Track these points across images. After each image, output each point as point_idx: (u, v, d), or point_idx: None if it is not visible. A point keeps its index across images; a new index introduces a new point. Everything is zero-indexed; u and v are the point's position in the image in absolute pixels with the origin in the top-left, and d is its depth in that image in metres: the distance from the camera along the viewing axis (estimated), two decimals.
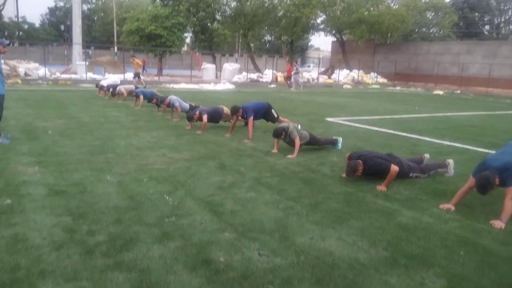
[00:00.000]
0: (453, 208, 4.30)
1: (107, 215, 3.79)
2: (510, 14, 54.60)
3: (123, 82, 18.91)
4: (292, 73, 25.68)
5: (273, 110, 8.18)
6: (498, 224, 3.89)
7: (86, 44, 39.49)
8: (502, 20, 55.70)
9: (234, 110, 7.80)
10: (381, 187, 4.93)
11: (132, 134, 7.85)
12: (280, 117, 8.35)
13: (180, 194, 4.45)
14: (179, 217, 3.82)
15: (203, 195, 4.47)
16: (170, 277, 2.77)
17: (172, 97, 10.17)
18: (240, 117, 7.98)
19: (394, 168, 4.95)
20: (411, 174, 5.37)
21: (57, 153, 6.11)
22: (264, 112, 8.12)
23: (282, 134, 6.51)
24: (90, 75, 24.37)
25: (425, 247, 3.40)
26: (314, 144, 6.98)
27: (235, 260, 3.04)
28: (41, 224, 3.54)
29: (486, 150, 7.62)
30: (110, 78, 18.10)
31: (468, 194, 4.38)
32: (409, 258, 3.20)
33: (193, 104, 10.67)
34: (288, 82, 26.51)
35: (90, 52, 43.88)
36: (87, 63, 26.13)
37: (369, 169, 5.08)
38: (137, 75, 20.78)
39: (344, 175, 5.37)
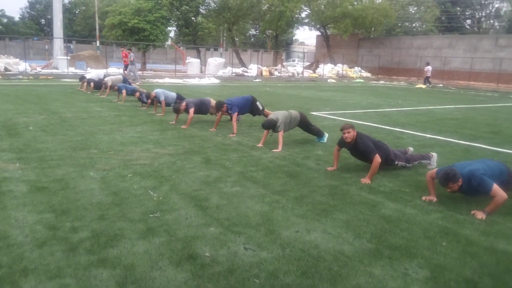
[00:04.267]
0: (434, 199, 4.37)
1: (91, 211, 3.75)
2: (491, 8, 55.45)
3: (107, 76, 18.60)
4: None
5: (258, 103, 8.18)
6: (480, 214, 3.98)
7: (68, 38, 38.75)
8: (483, 14, 56.53)
9: (219, 106, 7.79)
10: (365, 180, 4.99)
11: (116, 129, 7.75)
12: (266, 110, 8.36)
13: (164, 189, 4.42)
14: (164, 212, 3.79)
15: (188, 190, 4.45)
16: (155, 272, 2.76)
17: (158, 91, 10.06)
18: (225, 112, 7.96)
19: (377, 159, 5.03)
20: (396, 162, 5.46)
21: (38, 149, 5.99)
22: (249, 106, 8.11)
23: (274, 125, 6.53)
24: (72, 70, 23.93)
25: (409, 238, 3.45)
26: (305, 128, 7.15)
27: (220, 255, 3.04)
28: (23, 221, 3.48)
29: (467, 143, 7.76)
30: (92, 73, 17.77)
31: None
32: (393, 249, 3.24)
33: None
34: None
35: (71, 46, 43.08)
36: (68, 57, 25.66)
37: (358, 145, 5.19)
38: None
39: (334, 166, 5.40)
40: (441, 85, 30.08)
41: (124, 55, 21.60)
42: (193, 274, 2.76)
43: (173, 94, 10.26)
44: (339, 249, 3.21)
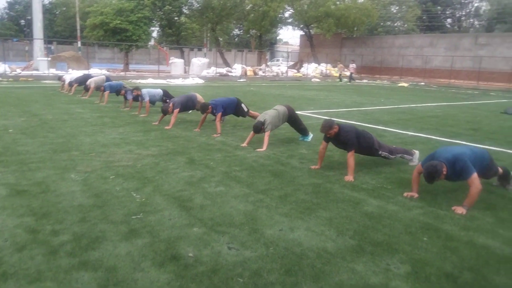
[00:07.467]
0: (416, 195, 4.44)
1: (72, 214, 3.69)
2: (470, 7, 56.48)
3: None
4: None
5: (242, 105, 8.18)
6: (460, 210, 4.05)
7: (48, 39, 38.11)
8: (463, 13, 57.54)
9: (204, 108, 7.75)
10: (348, 178, 5.04)
11: (98, 130, 7.66)
12: (250, 111, 8.36)
13: (148, 191, 4.38)
14: (147, 213, 3.76)
15: (172, 190, 4.42)
16: (138, 274, 2.73)
17: (144, 91, 9.98)
18: (210, 113, 7.95)
19: (351, 155, 5.14)
20: (380, 152, 5.53)
21: (18, 152, 5.88)
22: (233, 108, 8.10)
23: (262, 129, 6.56)
24: (53, 71, 23.55)
25: (390, 234, 3.49)
26: (292, 122, 7.18)
27: (204, 255, 3.03)
28: (2, 225, 3.41)
29: (448, 140, 7.90)
30: (73, 74, 17.54)
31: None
32: (375, 245, 3.28)
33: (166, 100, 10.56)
34: None
35: (52, 47, 42.36)
36: (49, 58, 25.25)
37: (340, 137, 5.26)
38: None
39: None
40: (422, 83, 30.53)
41: None
42: (176, 274, 2.75)
43: (159, 91, 10.25)
44: (322, 246, 3.23)
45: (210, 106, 7.72)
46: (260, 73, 31.86)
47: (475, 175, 4.08)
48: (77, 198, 4.09)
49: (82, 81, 14.35)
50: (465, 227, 3.72)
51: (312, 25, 41.12)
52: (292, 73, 34.04)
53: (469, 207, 4.07)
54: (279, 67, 37.99)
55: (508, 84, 28.28)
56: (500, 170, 4.81)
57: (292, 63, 40.23)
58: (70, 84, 14.49)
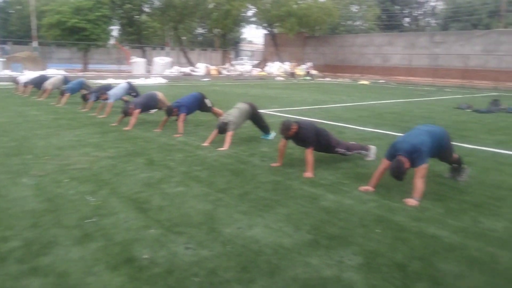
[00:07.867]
0: (371, 189, 4.57)
1: (23, 219, 3.57)
2: (427, 7, 58.53)
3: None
4: None
5: (206, 100, 8.14)
6: (411, 202, 4.19)
7: (2, 40, 36.49)
8: (420, 12, 59.54)
9: (169, 111, 7.66)
10: (308, 174, 5.12)
11: (53, 133, 7.42)
12: (214, 108, 8.33)
13: (103, 194, 4.29)
14: (102, 217, 3.68)
15: (129, 192, 4.35)
16: (90, 278, 2.68)
17: (111, 93, 9.70)
18: (175, 115, 7.89)
19: (308, 152, 5.24)
20: (337, 149, 5.66)
21: None
22: (198, 104, 8.06)
23: (225, 130, 6.56)
24: (7, 72, 22.57)
25: (345, 228, 3.58)
26: (255, 120, 7.22)
27: (160, 256, 3.00)
28: None
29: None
30: (28, 75, 16.83)
31: (385, 175, 4.66)
32: (330, 239, 3.35)
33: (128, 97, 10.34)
34: None
35: (7, 47, 40.54)
36: (4, 59, 24.19)
37: (299, 134, 5.35)
38: None
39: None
40: (382, 81, 31.38)
41: None
42: (130, 277, 2.71)
43: (124, 86, 10.01)
44: (279, 242, 3.27)
45: (174, 109, 7.64)
46: (224, 72, 31.77)
47: (425, 165, 4.28)
48: (29, 203, 3.96)
49: (38, 83, 13.80)
50: (416, 218, 3.87)
51: (275, 24, 41.37)
52: (256, 72, 34.15)
53: (419, 198, 4.22)
54: (244, 66, 38.02)
55: (462, 80, 29.52)
56: (456, 155, 5.03)
57: (256, 62, 40.33)
58: (25, 85, 13.93)
